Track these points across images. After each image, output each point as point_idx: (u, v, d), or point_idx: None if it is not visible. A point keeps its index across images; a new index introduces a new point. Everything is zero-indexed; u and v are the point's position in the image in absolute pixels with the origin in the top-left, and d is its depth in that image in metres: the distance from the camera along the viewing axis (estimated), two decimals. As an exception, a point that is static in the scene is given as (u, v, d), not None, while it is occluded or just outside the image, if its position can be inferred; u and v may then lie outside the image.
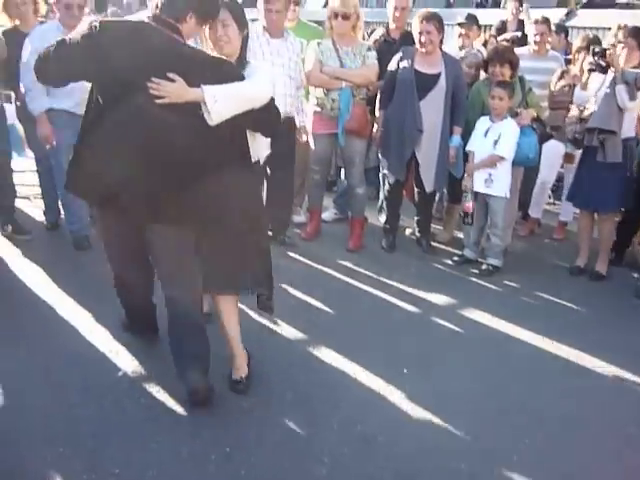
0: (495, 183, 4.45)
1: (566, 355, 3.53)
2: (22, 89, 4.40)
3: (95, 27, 2.58)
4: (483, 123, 4.49)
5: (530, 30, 5.36)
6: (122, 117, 2.64)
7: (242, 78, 2.76)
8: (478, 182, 4.50)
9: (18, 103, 4.78)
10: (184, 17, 2.69)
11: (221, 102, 2.63)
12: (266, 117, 2.88)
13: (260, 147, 3.06)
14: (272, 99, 2.88)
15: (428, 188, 4.69)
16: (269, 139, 3.10)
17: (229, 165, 2.80)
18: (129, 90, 2.61)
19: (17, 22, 4.62)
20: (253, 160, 2.99)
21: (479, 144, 4.49)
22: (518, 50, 5.20)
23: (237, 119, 2.72)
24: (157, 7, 2.68)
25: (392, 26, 5.07)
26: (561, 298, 4.24)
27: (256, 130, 2.94)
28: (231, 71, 2.79)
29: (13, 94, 5.03)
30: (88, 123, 2.79)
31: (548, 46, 5.41)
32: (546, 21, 5.31)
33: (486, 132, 4.44)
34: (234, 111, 2.69)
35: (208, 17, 2.80)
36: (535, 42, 5.27)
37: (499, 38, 6.02)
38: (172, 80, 2.60)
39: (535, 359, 3.51)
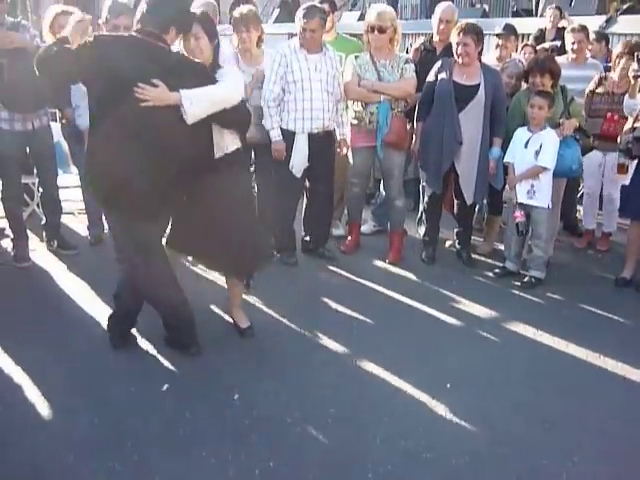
0: (538, 194, 4.39)
1: (612, 369, 3.46)
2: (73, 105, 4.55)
3: (88, 41, 3.03)
4: (522, 134, 4.44)
5: (568, 38, 5.30)
6: (115, 120, 3.02)
7: (215, 81, 3.19)
8: (521, 193, 4.45)
9: (63, 121, 4.90)
10: (167, 30, 3.12)
11: (196, 104, 3.05)
12: (237, 116, 3.33)
13: (227, 142, 3.38)
14: (242, 100, 3.35)
15: (469, 200, 4.66)
16: (237, 135, 3.45)
17: (199, 160, 3.25)
18: (119, 95, 2.99)
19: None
20: (217, 155, 3.34)
21: (520, 155, 4.44)
22: (556, 59, 5.14)
23: (212, 118, 3.15)
24: (141, 22, 3.12)
25: (436, 38, 5.04)
26: (607, 310, 4.16)
27: (229, 127, 3.35)
28: (206, 75, 3.21)
29: (58, 112, 5.17)
30: (90, 129, 3.21)
31: (587, 54, 5.34)
32: (584, 29, 5.25)
33: (526, 143, 4.39)
34: (208, 111, 3.11)
35: (186, 30, 3.25)
36: (573, 50, 5.21)
37: (538, 47, 5.96)
38: (155, 85, 3.00)
39: (582, 373, 3.44)
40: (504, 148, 4.56)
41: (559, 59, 5.06)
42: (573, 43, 5.20)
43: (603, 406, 3.13)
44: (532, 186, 4.40)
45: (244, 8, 4.50)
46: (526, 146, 4.39)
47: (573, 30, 5.23)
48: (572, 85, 4.84)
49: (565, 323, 3.97)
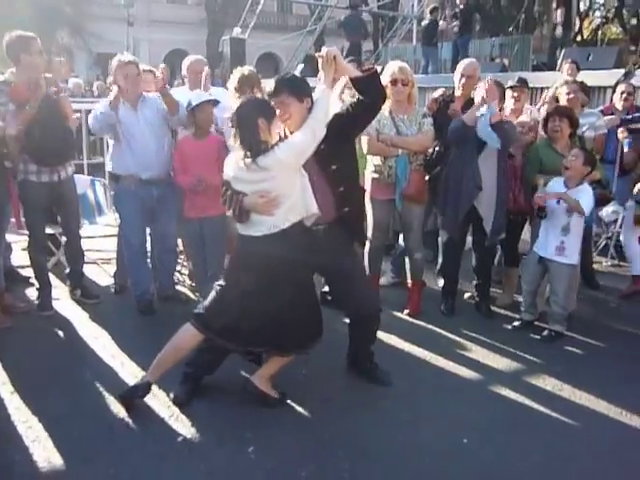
0: (567, 251, 4.36)
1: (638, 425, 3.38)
2: None
3: None
4: (558, 186, 4.41)
5: (619, 89, 6.11)
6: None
7: None
8: (549, 249, 4.42)
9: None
10: None
11: None
12: None
13: None
14: None
15: (487, 227, 4.65)
16: None
17: None
18: None
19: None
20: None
21: (551, 209, 4.37)
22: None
23: None
24: None
25: (457, 93, 5.12)
26: (637, 364, 4.09)
27: None
28: None
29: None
30: None
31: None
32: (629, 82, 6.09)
33: (558, 200, 4.34)
34: None
35: None
36: (624, 100, 5.99)
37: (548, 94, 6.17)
38: None
39: (614, 435, 3.33)
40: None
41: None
42: (622, 93, 6.01)
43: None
44: (562, 242, 4.36)
45: (245, 69, 4.59)
46: (558, 202, 4.36)
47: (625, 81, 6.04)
48: None
49: (589, 378, 3.90)
